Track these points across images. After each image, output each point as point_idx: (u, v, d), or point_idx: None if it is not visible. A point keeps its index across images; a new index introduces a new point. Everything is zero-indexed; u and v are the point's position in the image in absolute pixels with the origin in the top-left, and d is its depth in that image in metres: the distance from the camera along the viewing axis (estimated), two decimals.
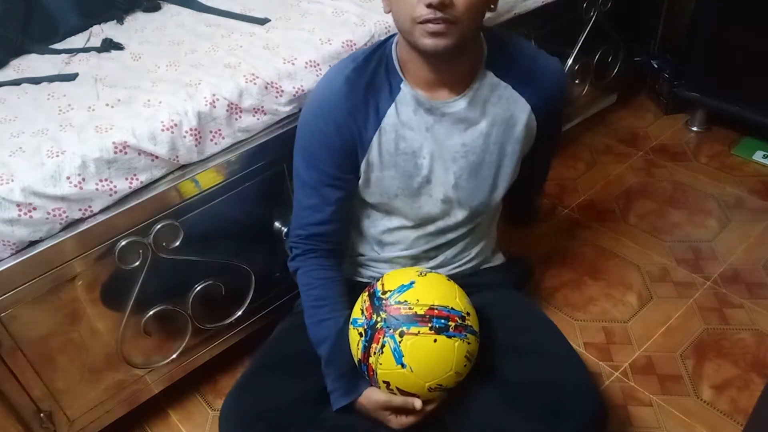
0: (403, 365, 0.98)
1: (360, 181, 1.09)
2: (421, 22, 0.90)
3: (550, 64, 1.10)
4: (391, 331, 0.99)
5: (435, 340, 0.98)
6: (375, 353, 1.00)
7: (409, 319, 0.98)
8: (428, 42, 0.91)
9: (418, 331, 0.98)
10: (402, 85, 1.03)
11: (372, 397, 1.05)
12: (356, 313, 1.06)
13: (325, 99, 1.04)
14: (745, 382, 1.36)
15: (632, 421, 1.31)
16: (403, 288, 1.02)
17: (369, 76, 1.03)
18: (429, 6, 0.88)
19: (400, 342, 0.98)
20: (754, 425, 1.03)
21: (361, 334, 1.03)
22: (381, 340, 0.99)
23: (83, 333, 1.15)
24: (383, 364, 1.00)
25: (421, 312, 0.99)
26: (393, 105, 1.04)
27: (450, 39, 0.91)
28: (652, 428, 1.30)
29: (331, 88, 1.04)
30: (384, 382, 1.02)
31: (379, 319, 1.00)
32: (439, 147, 1.06)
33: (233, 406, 1.06)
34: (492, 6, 0.98)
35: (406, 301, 1.00)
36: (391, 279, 1.05)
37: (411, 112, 1.04)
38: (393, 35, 1.06)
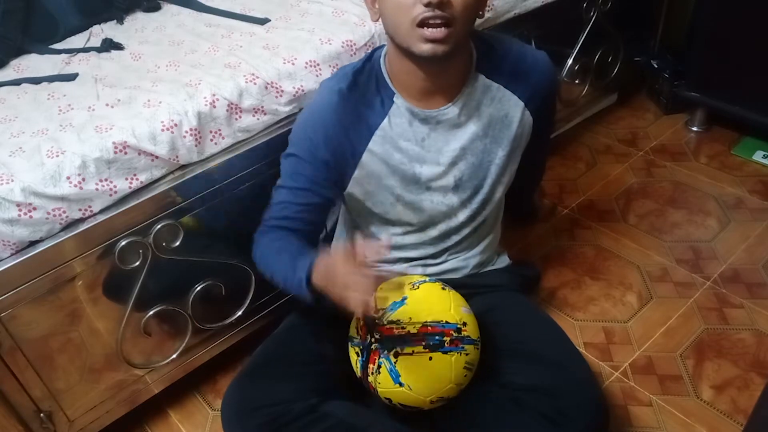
0: (401, 384, 0.99)
1: (358, 194, 1.10)
2: (420, 25, 0.90)
3: (538, 58, 1.11)
4: (386, 352, 0.99)
5: (430, 358, 0.98)
6: (372, 373, 1.01)
7: (403, 339, 0.98)
8: (426, 47, 0.92)
9: (413, 351, 0.97)
10: (395, 98, 1.04)
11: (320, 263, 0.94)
12: (352, 330, 1.07)
13: (317, 110, 1.06)
14: (745, 382, 1.36)
15: (632, 421, 1.31)
16: (395, 306, 1.01)
17: (360, 91, 1.05)
18: (428, 5, 0.88)
19: (395, 362, 0.98)
20: (754, 425, 1.03)
21: (358, 354, 1.04)
22: (377, 361, 1.00)
23: (83, 333, 1.15)
24: (382, 384, 1.01)
25: (414, 330, 0.98)
26: (386, 118, 1.05)
27: (447, 45, 0.92)
28: (652, 428, 1.30)
29: (324, 101, 1.05)
30: (386, 398, 1.03)
31: (373, 340, 1.01)
32: (437, 154, 1.07)
33: (235, 397, 1.07)
34: (480, 13, 0.99)
35: (399, 320, 1.00)
36: (383, 297, 1.02)
37: (406, 124, 1.05)
38: (378, 48, 1.07)
